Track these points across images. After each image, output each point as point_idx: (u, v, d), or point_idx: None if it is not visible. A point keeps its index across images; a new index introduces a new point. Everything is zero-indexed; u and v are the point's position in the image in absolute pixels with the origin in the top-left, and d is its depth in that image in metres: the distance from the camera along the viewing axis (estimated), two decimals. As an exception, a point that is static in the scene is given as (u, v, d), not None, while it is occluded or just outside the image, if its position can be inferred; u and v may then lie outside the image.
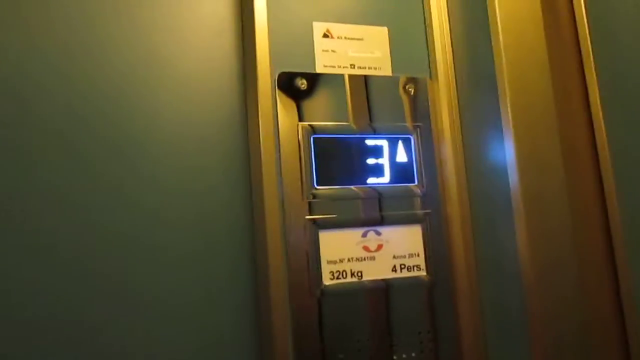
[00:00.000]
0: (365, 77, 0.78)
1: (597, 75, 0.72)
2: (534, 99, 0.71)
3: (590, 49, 0.72)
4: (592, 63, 0.72)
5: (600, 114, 0.72)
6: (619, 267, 0.72)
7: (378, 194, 0.76)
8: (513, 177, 0.69)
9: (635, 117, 0.75)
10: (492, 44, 0.72)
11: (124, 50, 0.72)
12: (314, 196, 0.73)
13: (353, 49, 0.78)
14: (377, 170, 0.77)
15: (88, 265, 0.67)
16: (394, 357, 0.74)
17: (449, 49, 0.81)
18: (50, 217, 0.66)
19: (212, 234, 0.73)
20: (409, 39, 0.81)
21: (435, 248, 0.77)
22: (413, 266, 0.76)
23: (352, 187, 0.75)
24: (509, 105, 0.70)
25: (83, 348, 0.65)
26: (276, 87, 0.74)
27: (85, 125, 0.69)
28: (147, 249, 0.70)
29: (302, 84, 0.75)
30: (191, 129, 0.74)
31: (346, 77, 0.77)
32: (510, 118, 0.70)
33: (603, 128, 0.72)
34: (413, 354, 0.74)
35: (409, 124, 0.79)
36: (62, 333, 0.65)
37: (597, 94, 0.72)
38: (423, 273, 0.76)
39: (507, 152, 0.70)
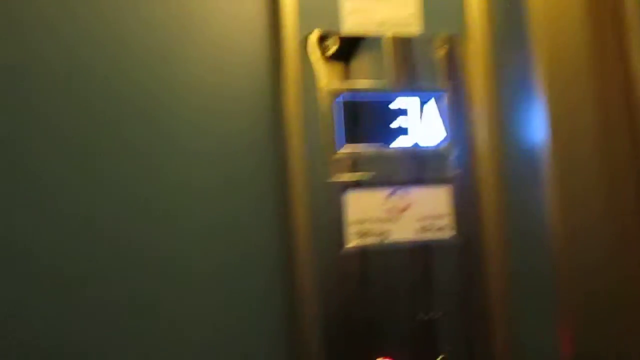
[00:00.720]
0: (396, 35, 0.77)
1: (637, 35, 0.68)
2: (569, 58, 0.68)
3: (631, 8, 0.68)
4: (633, 22, 0.68)
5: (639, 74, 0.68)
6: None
7: (406, 154, 0.76)
8: (545, 138, 0.67)
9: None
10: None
11: (154, 12, 0.73)
12: (341, 156, 0.74)
13: (382, 7, 0.77)
14: (406, 131, 0.76)
15: (119, 233, 0.69)
16: (420, 315, 0.75)
17: (483, 6, 0.77)
18: (79, 185, 0.69)
19: (241, 196, 0.74)
20: (442, -4, 0.79)
21: (465, 209, 0.76)
22: (440, 227, 0.76)
23: (380, 146, 0.75)
24: (542, 64, 0.68)
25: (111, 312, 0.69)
26: (304, 48, 0.74)
27: (115, 89, 0.71)
28: (177, 214, 0.72)
29: (330, 44, 0.75)
30: (221, 90, 0.74)
31: (375, 37, 0.76)
32: (543, 77, 0.68)
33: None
34: (440, 314, 0.75)
35: (440, 83, 0.78)
36: (91, 300, 0.67)
37: (637, 54, 0.68)
38: (451, 234, 0.76)
39: (540, 112, 0.68)
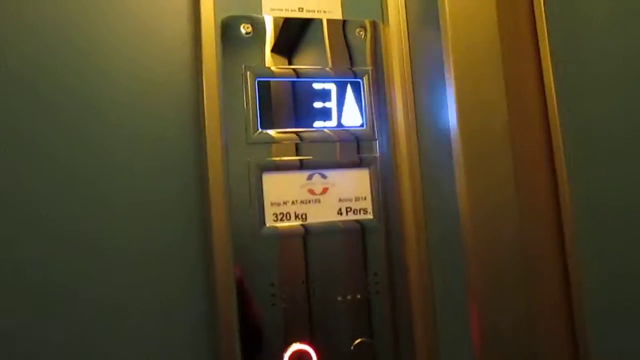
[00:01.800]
0: (314, 20, 0.78)
1: (546, 15, 0.71)
2: (479, 38, 0.69)
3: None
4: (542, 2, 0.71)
5: (549, 56, 0.71)
6: (564, 217, 0.71)
7: (324, 138, 0.76)
8: (452, 118, 0.68)
9: (585, 55, 0.74)
10: (438, -17, 0.71)
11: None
12: (258, 139, 0.74)
13: (302, -9, 0.78)
14: (324, 114, 0.77)
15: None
16: (339, 299, 0.75)
17: (400, -10, 0.79)
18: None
19: (159, 176, 0.74)
20: (360, -19, 0.80)
21: (383, 192, 0.77)
22: (359, 209, 0.77)
23: (298, 129, 0.75)
24: (450, 43, 0.69)
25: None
26: (223, 30, 0.74)
27: (25, 78, 0.70)
28: (97, 194, 0.71)
29: (247, 27, 0.75)
30: (141, 72, 0.74)
31: (294, 21, 0.77)
32: (451, 58, 0.69)
33: (551, 70, 0.71)
34: (358, 296, 0.76)
35: (358, 68, 0.79)
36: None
37: (546, 34, 0.71)
38: (370, 216, 0.77)
39: (448, 92, 0.69)
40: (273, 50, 0.76)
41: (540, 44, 0.72)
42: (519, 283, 0.67)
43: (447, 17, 0.68)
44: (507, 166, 0.69)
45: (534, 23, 0.72)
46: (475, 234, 0.67)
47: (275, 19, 0.76)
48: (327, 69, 0.77)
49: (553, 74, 0.71)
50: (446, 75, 0.69)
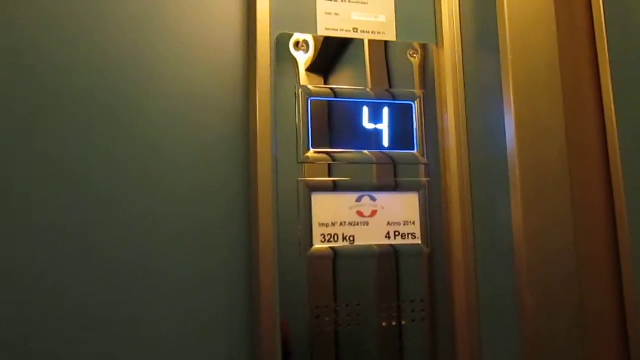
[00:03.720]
0: (369, 41, 0.77)
1: (607, 40, 0.69)
2: (539, 65, 0.68)
3: (602, 13, 0.69)
4: (603, 27, 0.69)
5: (609, 83, 0.69)
6: (621, 249, 0.69)
7: (375, 160, 0.75)
8: (511, 146, 0.67)
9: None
10: (497, 9, 0.70)
11: (124, 4, 0.73)
12: (308, 158, 0.73)
13: (357, 12, 0.77)
14: (375, 136, 0.76)
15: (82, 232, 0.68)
16: (383, 324, 0.73)
17: (456, 15, 0.78)
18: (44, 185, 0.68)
19: (207, 195, 0.73)
20: (416, 4, 0.80)
21: (432, 217, 0.76)
22: (408, 234, 0.75)
23: (348, 151, 0.74)
24: (510, 70, 0.68)
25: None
26: (277, 49, 0.74)
27: (81, 85, 0.70)
28: (141, 209, 0.70)
29: (302, 46, 0.75)
30: (192, 87, 0.74)
31: (348, 41, 0.77)
32: (511, 84, 0.68)
33: (611, 97, 0.69)
34: (403, 322, 0.74)
35: (411, 90, 0.78)
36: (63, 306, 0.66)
37: (607, 61, 0.69)
38: (418, 242, 0.76)
39: (506, 119, 0.68)
40: (327, 70, 0.75)
41: (600, 70, 0.70)
42: (574, 318, 0.64)
43: (508, 43, 0.67)
44: (565, 194, 0.67)
45: (595, 50, 0.71)
46: (530, 264, 0.65)
47: (330, 39, 0.76)
48: (380, 91, 0.76)
49: (613, 101, 0.69)
50: (505, 102, 0.68)
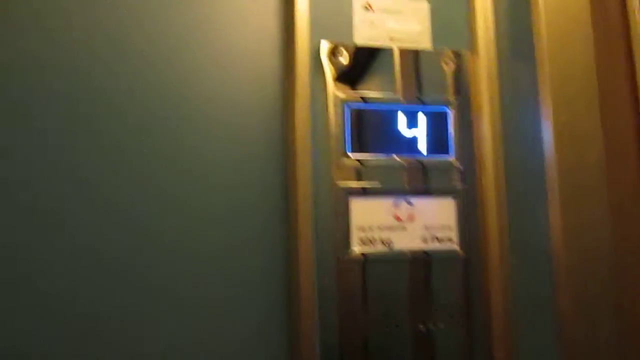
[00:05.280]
0: (405, 50, 0.79)
1: (643, 48, 0.70)
2: (575, 72, 0.69)
3: (638, 16, 0.69)
4: (638, 37, 0.70)
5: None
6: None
7: (412, 165, 0.76)
8: (548, 152, 0.68)
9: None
10: (533, 16, 0.71)
11: (168, 16, 0.75)
12: (346, 163, 0.74)
13: (393, 22, 0.79)
14: (412, 142, 0.77)
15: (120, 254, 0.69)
16: (420, 327, 0.74)
17: (490, 22, 0.79)
18: (80, 205, 0.69)
19: (246, 199, 0.74)
20: (450, 13, 0.81)
21: (469, 222, 0.77)
22: (445, 238, 0.76)
23: (386, 156, 0.76)
24: (547, 77, 0.69)
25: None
26: (315, 58, 0.76)
27: (117, 97, 0.72)
28: (181, 213, 0.72)
29: (340, 54, 0.77)
30: (231, 97, 0.75)
31: (381, 50, 0.78)
32: (548, 91, 0.69)
33: (649, 103, 0.70)
34: (441, 326, 0.74)
35: (447, 97, 0.79)
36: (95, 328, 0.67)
37: (643, 68, 0.70)
38: (455, 246, 0.76)
39: (544, 125, 0.69)
40: (364, 78, 0.77)
41: (637, 77, 0.70)
42: (613, 322, 0.64)
43: (545, 48, 0.68)
44: (602, 197, 0.67)
45: (631, 53, 0.71)
46: (568, 267, 0.66)
47: (367, 48, 0.78)
48: (416, 97, 0.78)
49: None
50: (542, 108, 0.69)
